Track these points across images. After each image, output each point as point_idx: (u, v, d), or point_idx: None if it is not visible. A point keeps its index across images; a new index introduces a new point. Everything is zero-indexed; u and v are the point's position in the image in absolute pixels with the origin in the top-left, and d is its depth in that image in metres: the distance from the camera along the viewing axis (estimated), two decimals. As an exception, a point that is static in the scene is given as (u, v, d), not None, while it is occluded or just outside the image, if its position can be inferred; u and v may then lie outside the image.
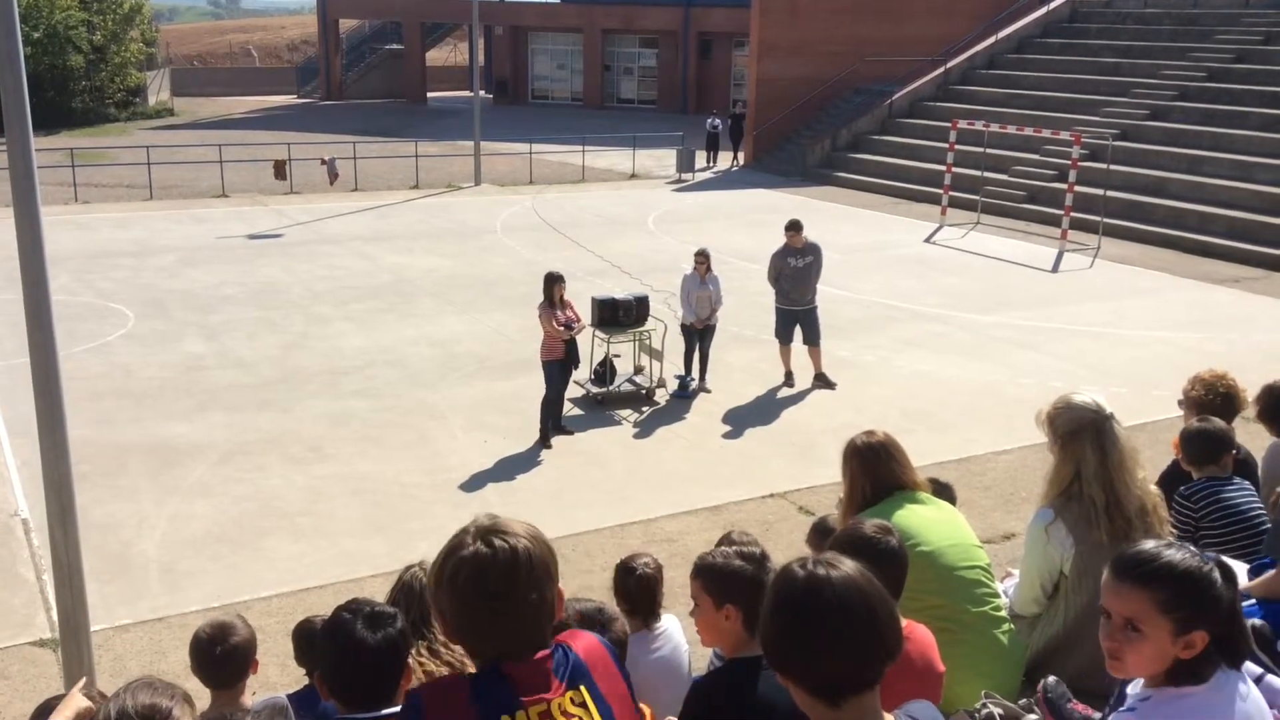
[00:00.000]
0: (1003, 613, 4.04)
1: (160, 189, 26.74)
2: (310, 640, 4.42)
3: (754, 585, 3.24)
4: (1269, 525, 4.61)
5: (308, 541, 9.11)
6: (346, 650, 2.96)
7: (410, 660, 3.17)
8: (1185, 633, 2.36)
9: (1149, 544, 2.49)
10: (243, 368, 13.52)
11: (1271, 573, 4.10)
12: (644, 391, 12.63)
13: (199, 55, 69.38)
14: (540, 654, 2.24)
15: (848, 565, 2.07)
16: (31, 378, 5.78)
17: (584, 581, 7.85)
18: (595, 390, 12.51)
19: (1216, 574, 2.39)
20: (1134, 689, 2.56)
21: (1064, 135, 23.14)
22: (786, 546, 8.45)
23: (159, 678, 2.98)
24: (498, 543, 2.18)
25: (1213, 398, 5.50)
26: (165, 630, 7.75)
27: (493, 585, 2.15)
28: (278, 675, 6.51)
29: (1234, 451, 5.13)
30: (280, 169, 26.85)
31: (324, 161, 27.26)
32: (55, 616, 6.74)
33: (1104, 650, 2.47)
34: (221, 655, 4.11)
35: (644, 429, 11.82)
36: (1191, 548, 2.46)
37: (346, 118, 45.15)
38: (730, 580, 3.27)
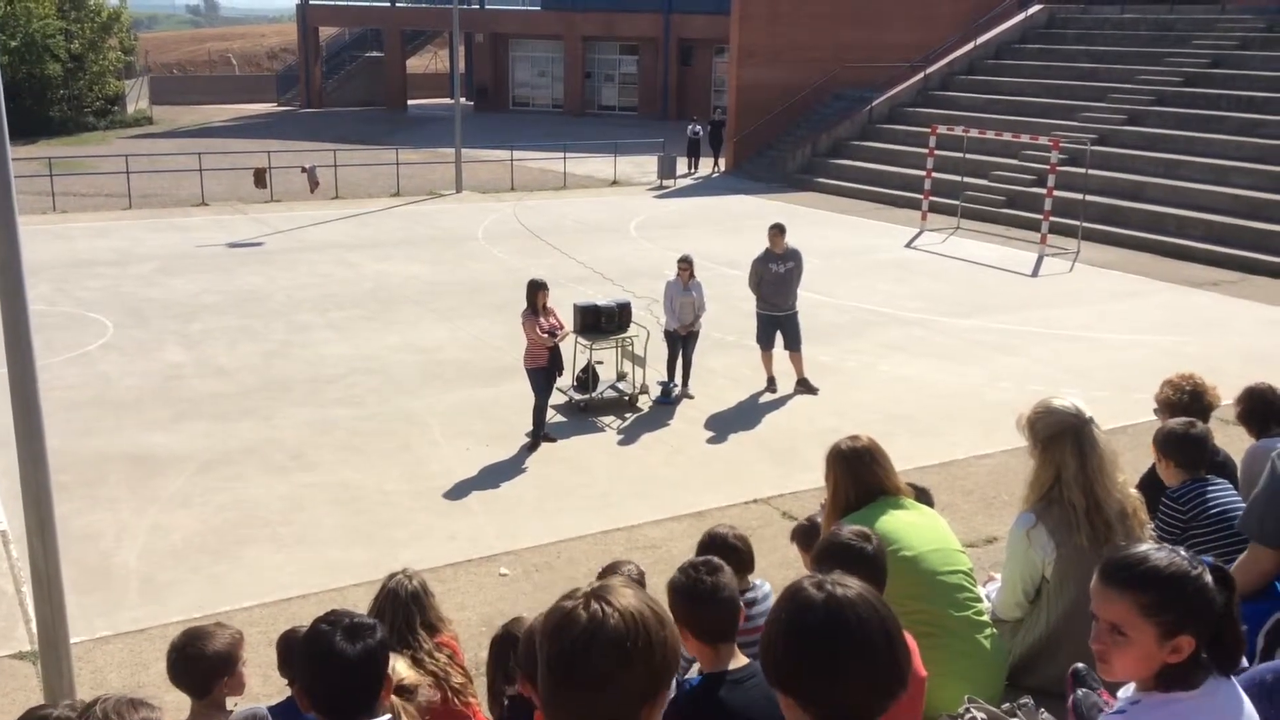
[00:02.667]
0: (985, 617, 4.05)
1: (139, 198, 26.60)
2: (293, 650, 4.39)
3: (684, 597, 3.31)
4: None
5: (289, 551, 9.06)
6: (325, 662, 2.94)
7: (390, 671, 3.15)
8: (1171, 637, 2.35)
9: (1139, 547, 2.47)
10: (223, 376, 13.45)
11: (1244, 554, 4.13)
12: (627, 398, 12.62)
13: (178, 63, 69.13)
14: None
15: (860, 587, 1.99)
16: (9, 388, 5.74)
17: (567, 589, 7.83)
18: (578, 397, 12.50)
19: (1207, 578, 2.37)
20: (1124, 693, 2.56)
21: (1042, 140, 23.27)
22: (770, 552, 8.46)
23: (123, 694, 2.94)
24: (594, 606, 1.94)
25: (1180, 396, 5.54)
26: (146, 642, 7.69)
27: (568, 650, 1.90)
28: (260, 686, 6.45)
29: (1214, 455, 5.16)
30: (260, 177, 26.75)
31: (304, 169, 27.19)
32: (34, 628, 6.67)
33: (1094, 653, 2.47)
34: (178, 662, 4.08)
35: (627, 435, 11.81)
36: (1182, 551, 2.43)
37: (327, 125, 45.04)
38: (671, 596, 3.34)
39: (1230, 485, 4.96)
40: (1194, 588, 2.35)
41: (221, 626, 4.36)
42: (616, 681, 1.88)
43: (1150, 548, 2.46)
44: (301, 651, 3.07)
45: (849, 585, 1.99)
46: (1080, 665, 3.28)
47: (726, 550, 4.67)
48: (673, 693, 4.30)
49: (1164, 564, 2.38)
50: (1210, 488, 4.84)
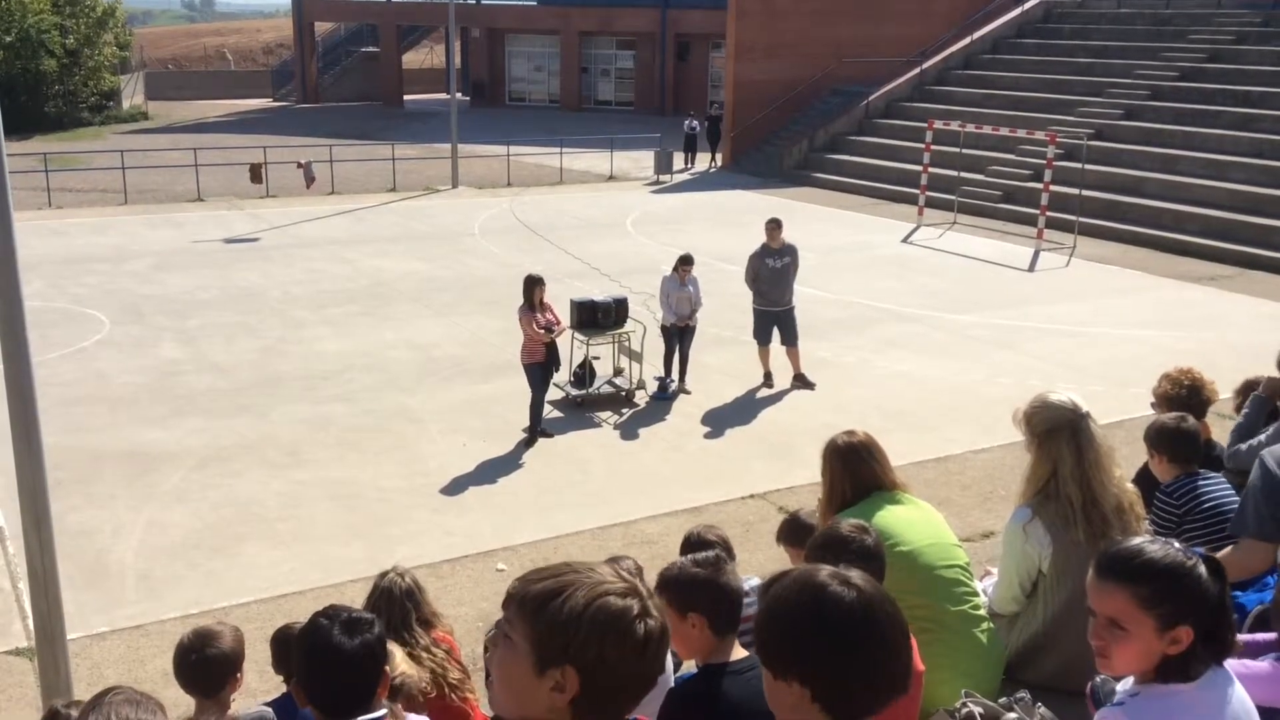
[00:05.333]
0: (982, 611, 4.05)
1: (135, 193, 26.56)
2: (288, 646, 4.39)
3: (713, 589, 3.30)
4: None
5: (286, 547, 9.06)
6: (323, 657, 2.93)
7: (388, 666, 3.15)
8: (1169, 628, 2.35)
9: (1132, 541, 2.48)
10: (219, 373, 13.43)
11: (1229, 549, 4.15)
12: (623, 393, 12.62)
13: (173, 59, 69.00)
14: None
15: (874, 583, 2.02)
16: (5, 384, 5.73)
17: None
18: (575, 392, 12.50)
19: (1201, 569, 2.38)
20: (1123, 685, 2.57)
21: (1039, 135, 23.27)
22: (767, 547, 8.47)
23: (133, 689, 2.95)
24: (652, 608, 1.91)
25: (1177, 391, 5.54)
26: (143, 638, 7.69)
27: (651, 642, 1.90)
28: (257, 682, 6.46)
29: (1210, 449, 5.17)
30: (256, 172, 26.71)
31: (300, 165, 27.14)
32: (31, 625, 6.67)
33: (1094, 649, 2.47)
34: (197, 663, 4.07)
35: (624, 431, 11.81)
36: (1176, 543, 2.45)
37: (323, 121, 44.96)
38: (689, 588, 3.33)
39: (1223, 479, 4.97)
40: (1190, 578, 2.36)
41: (223, 624, 4.36)
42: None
43: (1144, 540, 2.47)
44: (300, 646, 3.07)
45: (868, 580, 2.02)
46: (1098, 678, 3.27)
47: (705, 548, 4.69)
48: (670, 683, 4.30)
49: (1159, 556, 2.39)
50: (1203, 482, 4.85)
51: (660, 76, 50.19)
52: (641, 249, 21.16)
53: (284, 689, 4.51)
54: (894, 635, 1.97)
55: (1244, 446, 5.21)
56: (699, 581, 3.33)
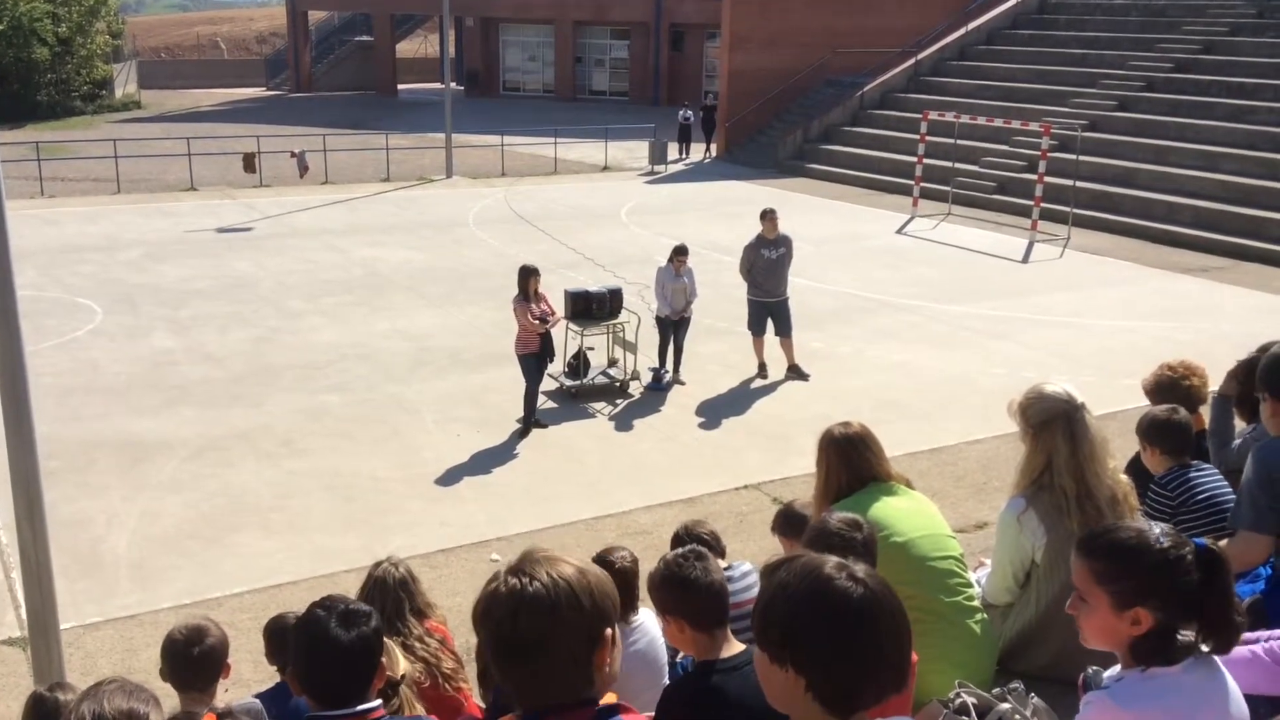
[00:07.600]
0: (976, 602, 4.05)
1: (128, 182, 26.47)
2: (282, 637, 4.39)
3: (681, 590, 3.30)
4: None
5: (280, 537, 9.06)
6: (320, 648, 2.93)
7: (384, 658, 3.15)
8: (1125, 608, 2.38)
9: (1121, 523, 2.58)
10: (213, 362, 13.41)
11: (1225, 541, 4.16)
12: (618, 384, 12.62)
13: (166, 47, 68.69)
14: (581, 710, 2.05)
15: (880, 579, 2.01)
16: (-3, 374, 5.72)
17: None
18: (569, 383, 12.49)
19: (1178, 555, 2.37)
20: (1110, 672, 2.60)
21: (1033, 126, 23.28)
22: (761, 538, 8.48)
23: (128, 679, 2.94)
24: (513, 580, 2.01)
25: (1170, 383, 5.54)
26: (136, 628, 7.69)
27: (522, 625, 1.98)
28: (250, 672, 6.47)
29: (1202, 440, 5.17)
30: (250, 162, 26.63)
31: (294, 154, 27.07)
32: (24, 615, 6.67)
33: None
34: (198, 658, 4.07)
35: (618, 422, 11.81)
36: (1160, 528, 2.46)
37: (316, 110, 44.82)
38: (661, 591, 3.33)
39: (1216, 471, 4.97)
40: (1153, 563, 2.37)
41: (203, 619, 4.36)
42: (553, 639, 1.99)
43: (1129, 524, 2.53)
44: (296, 637, 3.06)
45: (873, 575, 1.99)
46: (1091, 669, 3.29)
47: (693, 543, 4.69)
48: (667, 679, 4.30)
49: (1127, 537, 2.44)
50: (1195, 473, 4.86)
51: (655, 66, 50.07)
52: (636, 239, 21.15)
53: (278, 679, 4.51)
54: (897, 632, 1.95)
55: (1234, 446, 5.22)
56: (662, 581, 3.36)
